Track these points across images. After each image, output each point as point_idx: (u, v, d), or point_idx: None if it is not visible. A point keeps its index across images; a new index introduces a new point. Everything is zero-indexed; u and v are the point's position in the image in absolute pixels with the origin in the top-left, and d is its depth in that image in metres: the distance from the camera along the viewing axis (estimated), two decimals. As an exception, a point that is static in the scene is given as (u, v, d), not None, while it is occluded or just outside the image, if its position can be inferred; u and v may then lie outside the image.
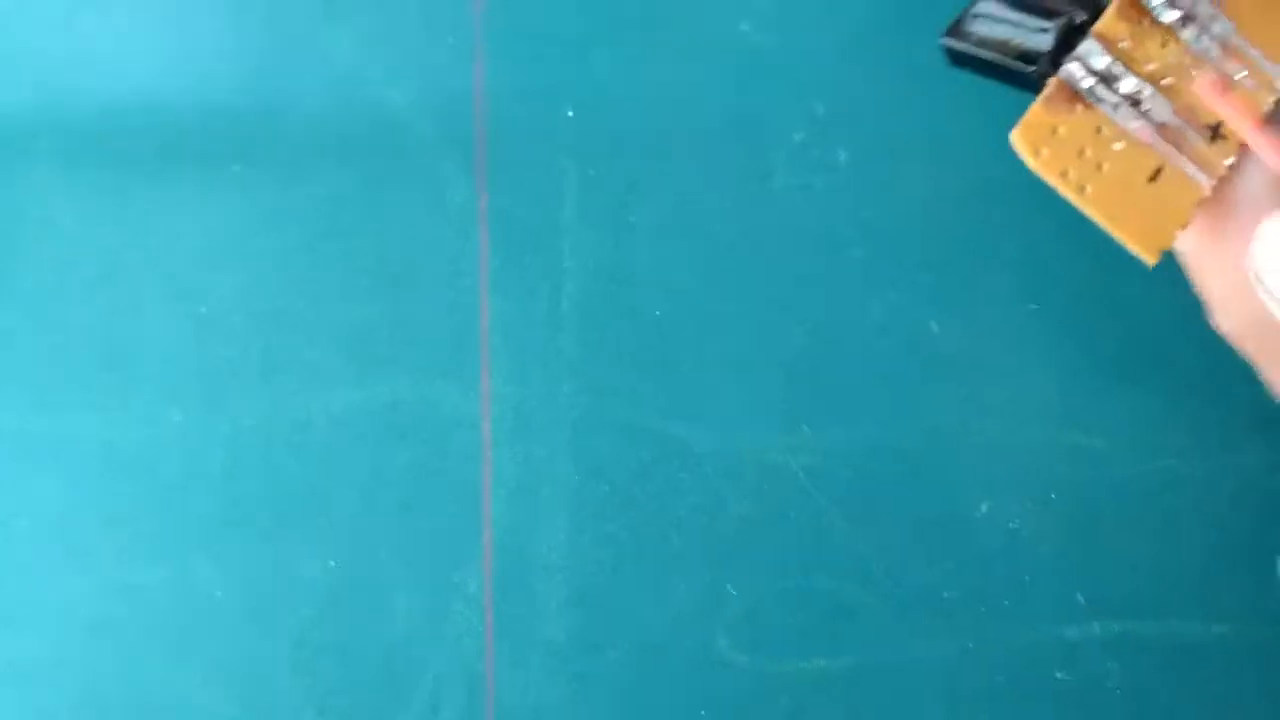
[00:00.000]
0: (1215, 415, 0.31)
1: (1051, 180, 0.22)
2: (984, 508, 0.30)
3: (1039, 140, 0.22)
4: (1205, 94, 0.21)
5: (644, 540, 0.30)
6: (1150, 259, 0.21)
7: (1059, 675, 0.30)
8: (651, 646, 0.30)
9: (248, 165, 0.32)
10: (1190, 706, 0.30)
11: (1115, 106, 0.21)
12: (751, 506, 0.30)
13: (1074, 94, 0.22)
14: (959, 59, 0.26)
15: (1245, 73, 0.21)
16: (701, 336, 0.31)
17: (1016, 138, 0.22)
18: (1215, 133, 0.21)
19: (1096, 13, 0.22)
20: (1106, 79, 0.21)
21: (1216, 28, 0.21)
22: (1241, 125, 0.21)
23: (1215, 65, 0.21)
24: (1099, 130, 0.21)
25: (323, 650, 0.30)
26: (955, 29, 0.26)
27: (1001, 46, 0.25)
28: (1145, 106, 0.21)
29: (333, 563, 0.30)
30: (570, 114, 0.32)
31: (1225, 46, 0.21)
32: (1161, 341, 0.31)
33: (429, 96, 0.32)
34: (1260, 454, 0.30)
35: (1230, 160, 0.21)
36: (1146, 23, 0.21)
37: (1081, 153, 0.21)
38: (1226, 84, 0.21)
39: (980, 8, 0.26)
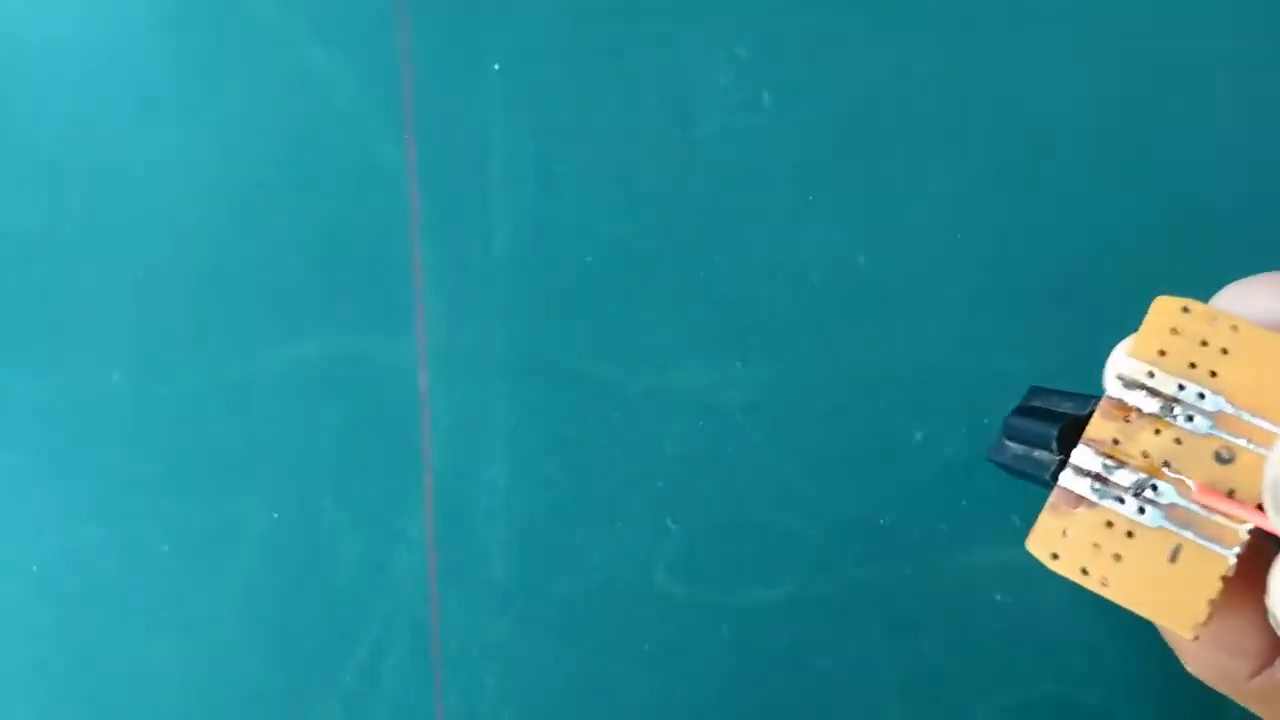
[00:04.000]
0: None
1: (1073, 578, 0.21)
2: (919, 435, 0.31)
3: (1051, 545, 0.21)
4: (1202, 500, 0.20)
5: (582, 481, 0.31)
6: (1187, 634, 0.20)
7: (997, 597, 0.30)
8: (593, 584, 0.30)
9: (178, 131, 0.32)
10: (1127, 622, 0.30)
11: (1119, 500, 0.21)
12: (687, 443, 0.31)
13: (1077, 497, 0.21)
14: (1005, 470, 0.26)
15: (1245, 440, 0.20)
16: (631, 280, 0.31)
17: (1031, 546, 0.21)
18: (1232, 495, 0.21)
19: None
20: (1104, 478, 0.21)
21: (1207, 404, 0.21)
22: (1246, 516, 0.20)
23: (1212, 440, 0.21)
24: (1109, 524, 0.21)
25: (268, 601, 0.30)
26: (996, 447, 0.26)
27: (1030, 463, 0.25)
28: (1149, 495, 0.21)
29: (276, 515, 0.30)
30: (496, 68, 0.32)
31: (1220, 419, 0.20)
32: (1083, 267, 0.31)
33: (355, 56, 0.32)
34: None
35: (1249, 527, 0.20)
36: (1134, 416, 0.21)
37: (1096, 548, 0.21)
38: (1214, 487, 0.20)
39: (1011, 422, 0.26)
